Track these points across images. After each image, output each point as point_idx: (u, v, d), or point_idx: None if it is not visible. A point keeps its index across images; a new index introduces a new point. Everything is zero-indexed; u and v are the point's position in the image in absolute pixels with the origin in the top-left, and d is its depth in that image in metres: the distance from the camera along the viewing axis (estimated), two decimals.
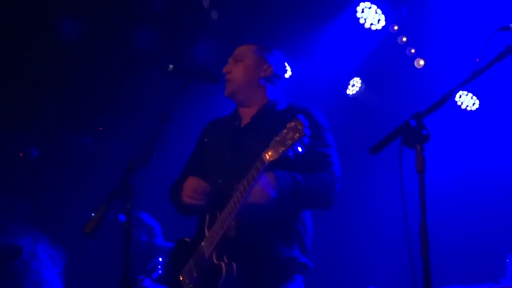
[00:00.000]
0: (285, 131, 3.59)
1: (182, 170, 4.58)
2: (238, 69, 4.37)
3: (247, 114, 4.38)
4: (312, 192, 3.96)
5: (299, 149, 3.60)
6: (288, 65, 7.56)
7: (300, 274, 4.10)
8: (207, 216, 4.10)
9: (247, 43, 4.53)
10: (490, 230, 7.50)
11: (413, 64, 7.49)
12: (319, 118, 4.20)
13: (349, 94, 8.12)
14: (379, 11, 7.21)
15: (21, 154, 8.15)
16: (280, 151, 3.60)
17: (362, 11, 7.23)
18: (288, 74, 7.56)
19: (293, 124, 3.57)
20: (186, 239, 4.34)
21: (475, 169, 7.84)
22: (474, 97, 7.87)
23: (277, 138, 3.61)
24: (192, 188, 4.14)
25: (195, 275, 4.06)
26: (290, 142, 3.55)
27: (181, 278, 4.17)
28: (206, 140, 4.53)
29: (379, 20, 7.24)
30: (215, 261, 3.93)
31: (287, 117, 4.10)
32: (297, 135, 3.53)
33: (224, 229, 3.90)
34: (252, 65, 4.38)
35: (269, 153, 3.65)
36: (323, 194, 4.04)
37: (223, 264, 3.90)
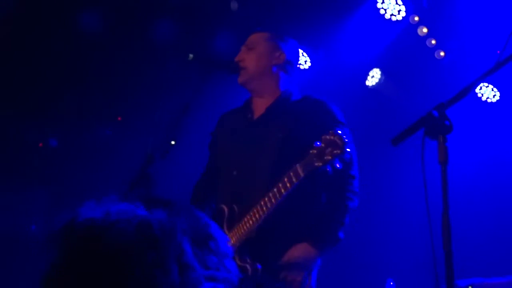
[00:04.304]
0: (323, 144, 3.50)
1: (203, 170, 4.57)
2: (251, 57, 4.34)
3: (260, 105, 4.34)
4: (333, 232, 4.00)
5: (337, 165, 3.53)
6: (308, 56, 7.54)
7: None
8: (226, 212, 4.09)
9: (259, 30, 4.51)
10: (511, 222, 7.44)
11: (434, 56, 7.43)
12: (337, 115, 4.15)
13: (368, 85, 8.07)
14: (399, 1, 7.15)
15: (40, 145, 8.17)
16: (317, 166, 3.54)
17: (383, 2, 7.16)
18: (307, 65, 7.53)
19: (332, 138, 3.49)
20: None
21: (496, 161, 7.77)
22: (495, 89, 7.80)
23: (314, 151, 3.54)
24: None
25: None
26: (329, 158, 3.48)
27: None
28: (218, 135, 4.51)
29: (399, 11, 7.18)
30: (239, 262, 3.89)
31: (301, 109, 4.09)
32: (337, 151, 3.46)
33: (247, 234, 3.88)
34: (264, 53, 4.35)
35: (304, 166, 3.61)
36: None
37: (248, 266, 3.88)
